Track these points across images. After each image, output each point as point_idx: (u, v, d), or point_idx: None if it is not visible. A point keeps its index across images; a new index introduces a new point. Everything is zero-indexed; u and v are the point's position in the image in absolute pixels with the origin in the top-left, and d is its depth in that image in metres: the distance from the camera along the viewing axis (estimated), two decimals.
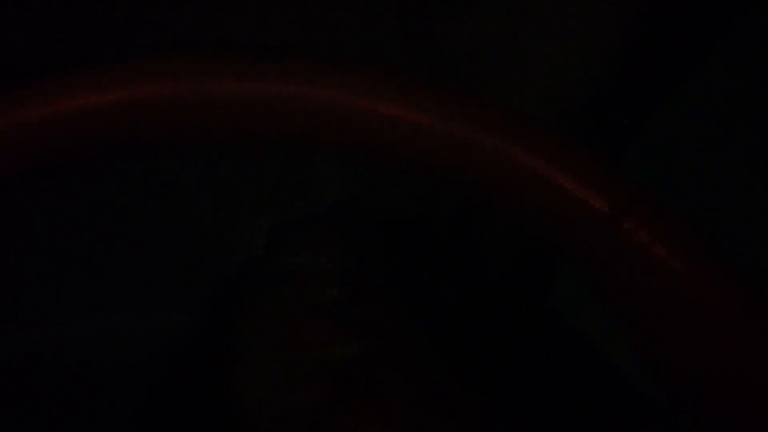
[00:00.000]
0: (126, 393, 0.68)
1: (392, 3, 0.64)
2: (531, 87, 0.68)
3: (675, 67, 0.67)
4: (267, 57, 0.51)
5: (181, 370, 0.69)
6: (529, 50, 0.67)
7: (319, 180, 0.77)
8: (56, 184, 0.56)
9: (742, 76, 0.84)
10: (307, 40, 0.65)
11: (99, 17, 0.64)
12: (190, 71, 0.51)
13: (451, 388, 0.63)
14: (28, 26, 0.64)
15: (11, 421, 0.82)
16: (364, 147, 0.50)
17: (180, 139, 0.52)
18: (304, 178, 0.77)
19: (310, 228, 0.68)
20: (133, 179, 0.75)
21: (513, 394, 0.65)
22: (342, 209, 0.70)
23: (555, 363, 0.71)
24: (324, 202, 0.71)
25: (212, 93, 0.50)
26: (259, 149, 0.67)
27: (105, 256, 0.83)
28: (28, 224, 0.79)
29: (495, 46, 0.67)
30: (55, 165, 0.52)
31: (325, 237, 0.67)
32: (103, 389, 0.81)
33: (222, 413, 0.64)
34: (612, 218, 0.47)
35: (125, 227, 0.82)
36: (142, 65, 0.51)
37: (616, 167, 0.49)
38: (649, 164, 0.70)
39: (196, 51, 0.52)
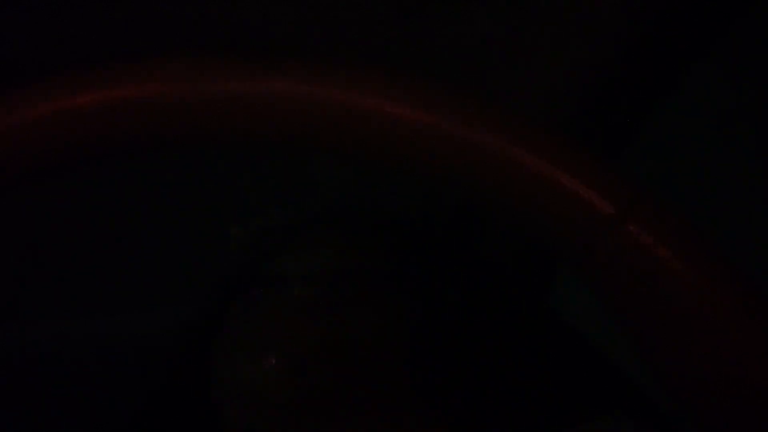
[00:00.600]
0: (126, 393, 0.68)
1: (392, 3, 0.64)
2: (530, 87, 0.68)
3: (674, 66, 0.67)
4: (268, 58, 0.51)
5: (181, 369, 0.69)
6: (528, 50, 0.67)
7: (319, 180, 0.77)
8: (56, 185, 0.56)
9: (742, 76, 0.84)
10: (307, 40, 0.65)
11: (99, 17, 0.64)
12: (192, 71, 0.51)
13: (444, 388, 0.63)
14: (28, 26, 0.64)
15: (11, 421, 0.82)
16: (365, 147, 0.50)
17: (181, 139, 0.52)
18: (304, 178, 0.77)
19: (308, 229, 0.68)
20: (133, 180, 0.75)
21: (509, 395, 0.65)
22: (341, 209, 0.70)
23: (553, 362, 0.71)
24: (324, 202, 0.71)
25: (213, 93, 0.51)
26: (259, 149, 0.67)
27: (105, 256, 0.83)
28: (28, 225, 0.79)
29: (494, 47, 0.67)
30: (55, 165, 0.52)
31: (323, 238, 0.67)
32: (103, 389, 0.81)
33: (219, 411, 0.64)
34: (615, 220, 0.47)
35: (125, 227, 0.82)
36: (143, 65, 0.51)
37: (618, 168, 0.49)
38: (649, 164, 0.70)
39: (196, 51, 0.52)
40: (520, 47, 0.67)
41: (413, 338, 0.63)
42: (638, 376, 0.69)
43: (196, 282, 0.74)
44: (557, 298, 0.81)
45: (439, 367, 0.63)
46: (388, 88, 0.50)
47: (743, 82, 0.85)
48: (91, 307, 0.85)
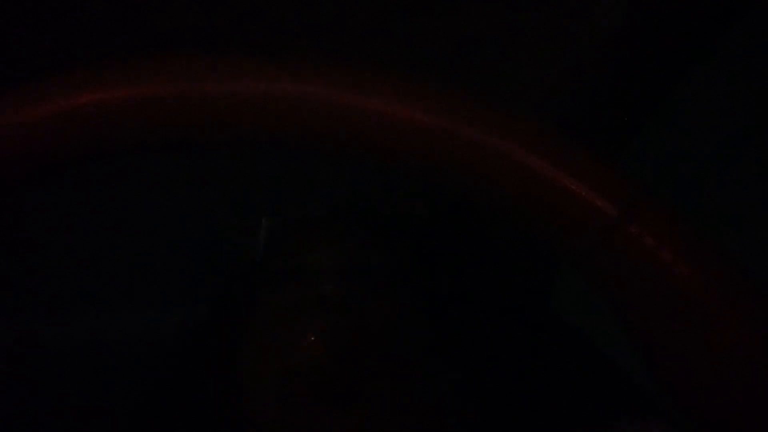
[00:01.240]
0: (128, 391, 0.68)
1: (391, 3, 0.64)
2: (530, 87, 0.68)
3: (674, 66, 0.67)
4: (269, 58, 0.51)
5: (183, 368, 0.70)
6: (528, 50, 0.67)
7: (319, 180, 0.77)
8: (57, 185, 0.56)
9: (742, 76, 0.84)
10: (307, 40, 0.65)
11: (99, 17, 0.64)
12: (194, 71, 0.51)
13: (441, 384, 0.63)
14: (28, 26, 0.64)
15: (11, 420, 0.82)
16: (369, 148, 0.50)
17: (183, 138, 0.52)
18: (304, 178, 0.77)
19: (310, 227, 0.68)
20: (135, 180, 0.75)
21: (508, 395, 0.65)
22: (342, 209, 0.70)
23: (553, 361, 0.71)
24: (324, 202, 0.71)
25: (215, 93, 0.50)
26: (260, 149, 0.67)
27: (106, 256, 0.83)
28: (29, 225, 0.79)
29: (495, 47, 0.67)
30: (56, 165, 0.52)
31: (324, 236, 0.67)
32: (105, 388, 0.81)
33: (223, 409, 0.65)
34: (617, 222, 0.47)
35: (127, 227, 0.82)
36: (145, 65, 0.51)
37: (620, 170, 0.49)
38: (649, 164, 0.70)
39: (198, 51, 0.52)
40: (520, 47, 0.67)
41: (409, 335, 0.64)
42: (638, 376, 0.69)
43: (197, 281, 0.74)
44: (557, 298, 0.81)
45: (451, 366, 0.64)
46: (393, 89, 0.50)
47: (743, 82, 0.85)
48: (92, 306, 0.85)
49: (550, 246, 0.52)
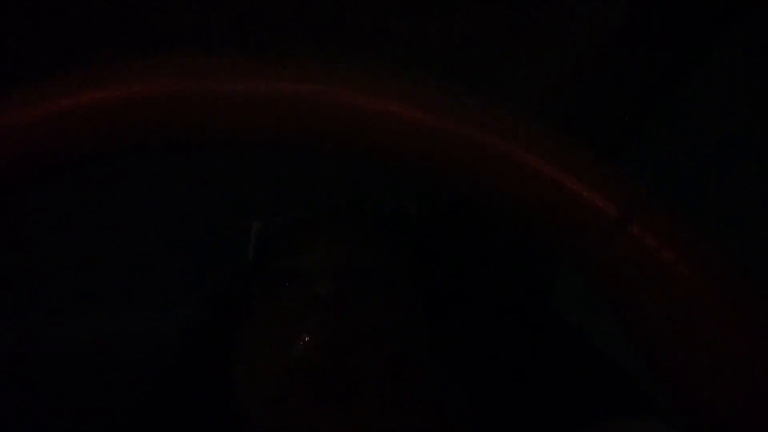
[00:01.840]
0: (127, 391, 0.68)
1: (391, 3, 0.64)
2: (530, 86, 0.68)
3: (674, 66, 0.67)
4: (269, 58, 0.51)
5: (182, 368, 0.70)
6: (528, 50, 0.67)
7: (319, 180, 0.77)
8: (57, 185, 0.56)
9: (742, 76, 0.84)
10: (307, 40, 0.65)
11: (99, 17, 0.64)
12: (194, 71, 0.51)
13: (438, 383, 0.63)
14: (29, 26, 0.64)
15: (11, 420, 0.82)
16: (369, 148, 0.50)
17: (184, 138, 0.52)
18: (304, 178, 0.77)
19: (305, 228, 0.68)
20: (135, 180, 0.75)
21: (508, 395, 0.65)
22: (336, 209, 0.70)
23: (553, 361, 0.71)
24: (324, 202, 0.71)
25: (215, 93, 0.50)
26: (260, 149, 0.67)
27: (106, 256, 0.83)
28: (30, 225, 0.79)
29: (495, 46, 0.67)
30: (56, 165, 0.52)
31: (319, 236, 0.67)
32: (105, 387, 0.81)
33: (221, 409, 0.65)
34: (619, 222, 0.47)
35: (127, 227, 0.82)
36: (145, 65, 0.51)
37: (621, 171, 0.49)
38: (649, 164, 0.70)
39: (198, 51, 0.52)
40: (520, 47, 0.67)
41: (408, 333, 0.64)
42: (638, 376, 0.69)
43: (197, 281, 0.74)
44: (557, 298, 0.81)
45: (449, 365, 0.64)
46: (393, 90, 0.50)
47: (743, 82, 0.85)
48: (92, 306, 0.85)
49: (551, 246, 0.52)
